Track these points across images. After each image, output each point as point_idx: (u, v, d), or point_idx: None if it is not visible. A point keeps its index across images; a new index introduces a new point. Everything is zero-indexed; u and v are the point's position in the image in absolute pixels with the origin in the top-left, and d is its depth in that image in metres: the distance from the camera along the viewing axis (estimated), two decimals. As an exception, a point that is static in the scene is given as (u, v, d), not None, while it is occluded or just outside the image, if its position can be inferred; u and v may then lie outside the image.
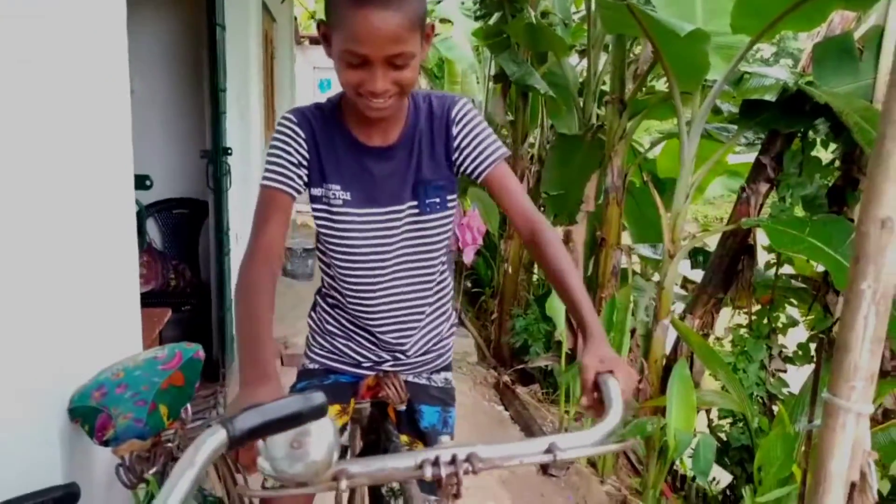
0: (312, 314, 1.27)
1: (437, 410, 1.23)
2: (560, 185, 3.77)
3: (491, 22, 4.48)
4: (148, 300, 2.91)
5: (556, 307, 2.70)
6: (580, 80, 4.24)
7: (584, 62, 4.14)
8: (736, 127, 2.89)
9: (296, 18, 8.06)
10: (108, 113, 1.36)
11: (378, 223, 1.10)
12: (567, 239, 3.59)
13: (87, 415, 1.03)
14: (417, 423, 1.21)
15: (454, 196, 1.13)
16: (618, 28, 2.75)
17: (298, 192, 1.06)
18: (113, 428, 0.98)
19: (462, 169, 1.10)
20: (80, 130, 1.21)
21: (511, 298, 4.40)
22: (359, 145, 1.07)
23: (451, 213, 1.13)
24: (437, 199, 1.10)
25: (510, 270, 4.40)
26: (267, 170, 1.05)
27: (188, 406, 1.13)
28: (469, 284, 5.53)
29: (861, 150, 2.36)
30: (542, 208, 4.25)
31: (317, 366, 1.23)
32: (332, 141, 1.07)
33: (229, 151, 2.72)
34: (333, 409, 1.15)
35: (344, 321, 1.20)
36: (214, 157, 2.66)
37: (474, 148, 1.08)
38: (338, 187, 1.07)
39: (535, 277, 4.81)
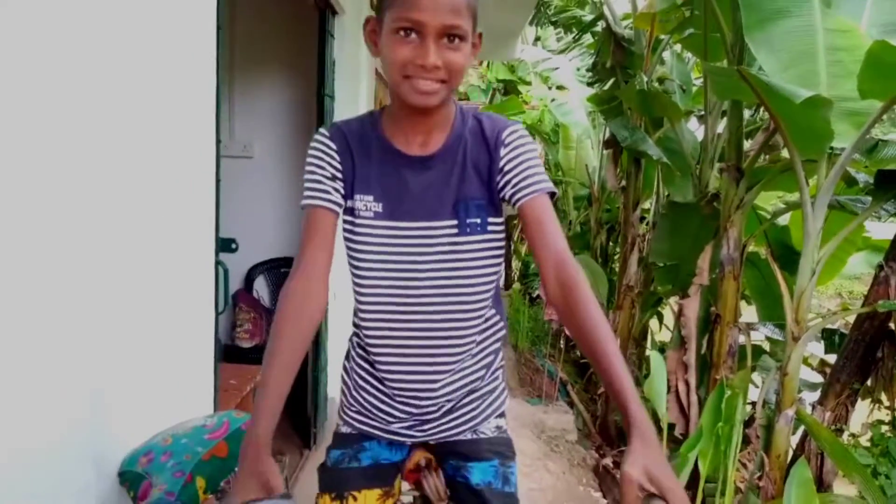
0: (346, 364, 1.14)
1: (492, 466, 1.06)
2: (671, 255, 3.56)
3: (605, 88, 4.43)
4: (252, 355, 3.04)
5: (657, 388, 2.49)
6: (698, 145, 4.05)
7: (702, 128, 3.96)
8: (870, 199, 2.60)
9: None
10: (198, 179, 1.44)
11: (410, 239, 1.00)
12: (679, 314, 3.36)
13: (133, 480, 1.04)
14: (469, 484, 1.05)
15: (498, 221, 1.03)
16: (730, 94, 2.60)
17: (339, 205, 1.00)
18: (148, 498, 0.98)
19: (502, 193, 1.00)
20: (170, 194, 1.27)
21: (619, 372, 4.16)
22: (396, 153, 1.01)
23: (494, 238, 1.02)
24: (478, 220, 1.01)
25: (619, 343, 4.17)
26: (304, 189, 1.00)
27: (230, 478, 1.11)
28: (578, 354, 5.31)
29: None
30: (653, 280, 4.04)
31: (349, 429, 1.11)
32: (368, 149, 1.01)
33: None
34: (373, 494, 1.06)
35: (373, 370, 1.07)
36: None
37: (518, 173, 0.98)
38: (370, 198, 1.00)
39: (647, 352, 4.53)
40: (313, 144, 1.02)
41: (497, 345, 1.11)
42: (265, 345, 0.91)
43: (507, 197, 0.99)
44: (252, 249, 3.15)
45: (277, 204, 3.18)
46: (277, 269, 3.33)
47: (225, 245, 1.69)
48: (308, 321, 0.93)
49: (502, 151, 1.00)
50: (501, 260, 1.06)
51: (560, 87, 5.98)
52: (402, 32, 0.89)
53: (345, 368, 1.14)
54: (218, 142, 1.44)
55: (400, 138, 1.01)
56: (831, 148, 2.43)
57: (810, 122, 2.11)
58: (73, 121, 0.94)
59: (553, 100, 6.18)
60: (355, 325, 1.10)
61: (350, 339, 1.14)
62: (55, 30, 0.90)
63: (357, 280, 1.03)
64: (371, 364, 1.07)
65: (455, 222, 1.00)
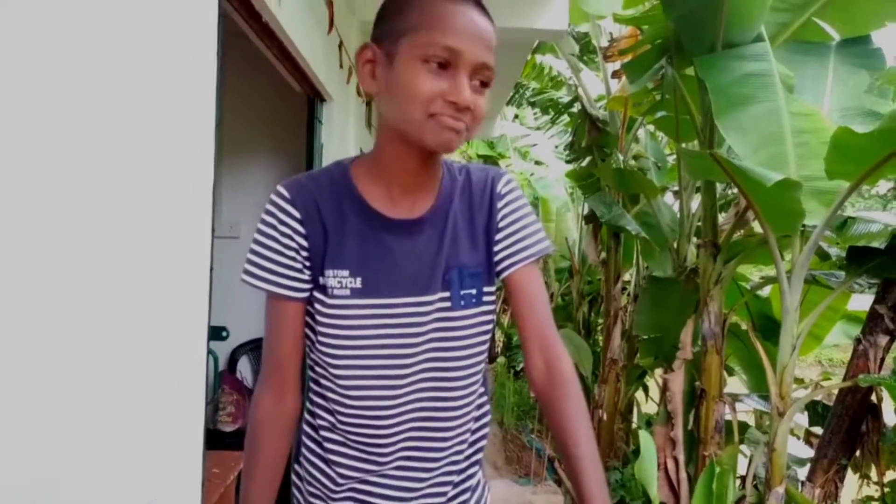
0: (297, 468, 0.97)
1: None
2: (654, 328, 3.60)
3: (582, 165, 4.56)
4: (234, 439, 2.97)
5: (648, 468, 2.46)
6: (675, 219, 4.16)
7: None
8: (844, 273, 2.67)
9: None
10: (191, 267, 1.44)
11: (395, 318, 0.85)
12: (665, 389, 3.36)
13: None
14: None
15: (492, 290, 0.90)
16: (704, 175, 2.70)
17: (305, 289, 0.86)
18: None
19: (498, 255, 0.89)
20: (163, 282, 1.27)
21: (607, 449, 4.11)
22: (377, 217, 0.85)
23: (488, 310, 0.90)
24: (473, 291, 0.88)
25: (605, 417, 4.14)
26: (252, 262, 0.85)
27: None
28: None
29: None
30: (636, 352, 4.05)
31: None
32: (341, 213, 0.84)
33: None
34: None
35: (338, 470, 0.90)
36: (303, 301, 2.76)
37: (515, 232, 0.88)
38: (345, 273, 0.84)
39: (634, 425, 4.50)
40: (270, 209, 0.85)
41: (486, 430, 1.00)
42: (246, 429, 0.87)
43: (499, 257, 0.90)
44: (237, 329, 3.12)
45: (262, 283, 3.18)
46: (261, 350, 3.30)
47: (215, 333, 1.68)
48: (284, 429, 0.87)
49: (499, 205, 0.90)
50: (491, 332, 0.94)
51: (538, 163, 6.15)
52: (430, 62, 0.76)
53: (296, 473, 0.98)
54: (213, 233, 1.46)
55: (381, 198, 0.86)
56: (803, 225, 2.52)
57: (782, 203, 2.20)
58: (68, 208, 0.95)
59: (532, 174, 6.34)
60: (314, 421, 0.93)
61: (304, 436, 0.97)
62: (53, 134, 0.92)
63: (325, 369, 0.88)
64: (343, 466, 0.91)
65: (447, 294, 0.87)
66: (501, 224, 0.89)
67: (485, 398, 0.98)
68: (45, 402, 0.89)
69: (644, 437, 2.33)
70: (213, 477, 2.17)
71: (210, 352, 1.54)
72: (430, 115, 0.77)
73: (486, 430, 0.98)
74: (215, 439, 2.88)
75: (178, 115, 1.25)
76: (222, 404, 3.04)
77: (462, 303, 0.87)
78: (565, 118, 5.10)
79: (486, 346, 0.92)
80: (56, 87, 0.85)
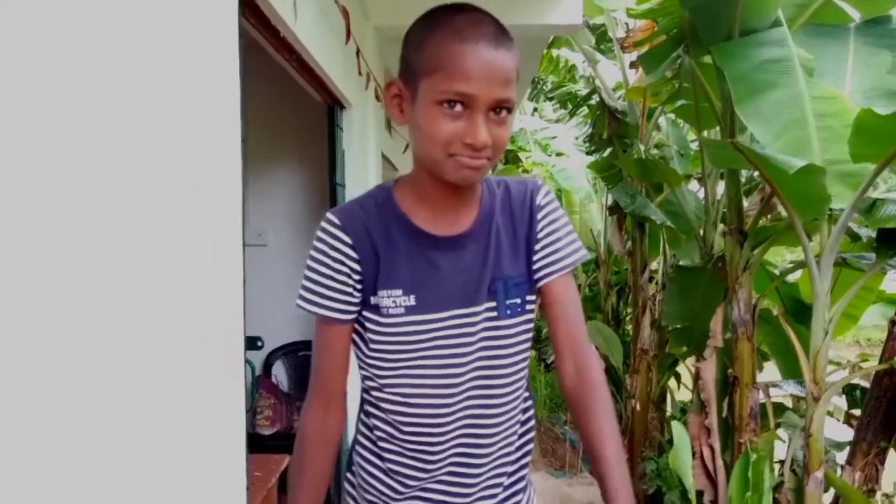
0: (350, 476, 1.02)
1: None
2: (683, 317, 3.59)
3: (604, 156, 4.55)
4: (273, 442, 3.04)
5: (683, 458, 2.46)
6: (701, 207, 4.13)
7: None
8: (874, 255, 2.64)
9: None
10: (224, 278, 1.49)
11: (447, 330, 0.89)
12: (697, 377, 3.35)
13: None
14: None
15: (533, 299, 0.94)
16: (726, 163, 2.69)
17: (355, 312, 0.90)
18: None
19: (537, 265, 0.93)
20: (198, 295, 1.32)
21: (641, 439, 4.11)
22: (423, 236, 0.89)
23: (530, 318, 0.95)
24: (518, 300, 0.92)
25: (638, 407, 4.14)
26: (306, 288, 0.90)
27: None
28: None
29: None
30: (667, 341, 4.04)
31: None
32: (389, 235, 0.89)
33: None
34: None
35: (398, 479, 0.95)
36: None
37: (552, 242, 0.92)
38: (398, 292, 0.88)
39: (668, 414, 4.48)
40: (322, 236, 0.89)
41: (532, 433, 1.04)
42: (286, 432, 0.93)
43: (537, 267, 0.93)
44: (270, 335, 3.20)
45: (293, 290, 3.24)
46: (295, 354, 3.37)
47: (251, 344, 1.74)
48: (331, 442, 0.92)
49: (538, 216, 0.93)
50: (532, 338, 0.99)
51: (559, 154, 6.14)
52: (446, 105, 0.79)
53: (348, 481, 1.03)
54: (244, 245, 1.51)
55: (425, 218, 0.90)
56: (830, 209, 2.50)
57: (806, 189, 2.18)
58: (108, 227, 1.00)
59: (553, 165, 6.33)
60: (371, 433, 0.98)
61: (358, 447, 1.01)
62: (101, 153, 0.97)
63: (379, 382, 0.93)
64: (402, 475, 0.96)
65: (494, 304, 0.91)
66: (541, 235, 0.93)
67: (529, 402, 1.02)
68: (92, 417, 0.94)
69: (677, 427, 2.34)
70: (256, 480, 2.24)
71: (247, 361, 1.59)
72: (449, 155, 0.81)
73: (531, 434, 1.02)
74: (255, 443, 2.96)
75: (205, 132, 1.29)
76: (260, 408, 3.11)
77: (508, 312, 0.92)
78: (584, 110, 5.08)
79: (528, 353, 0.96)
80: (91, 110, 0.90)
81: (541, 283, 0.93)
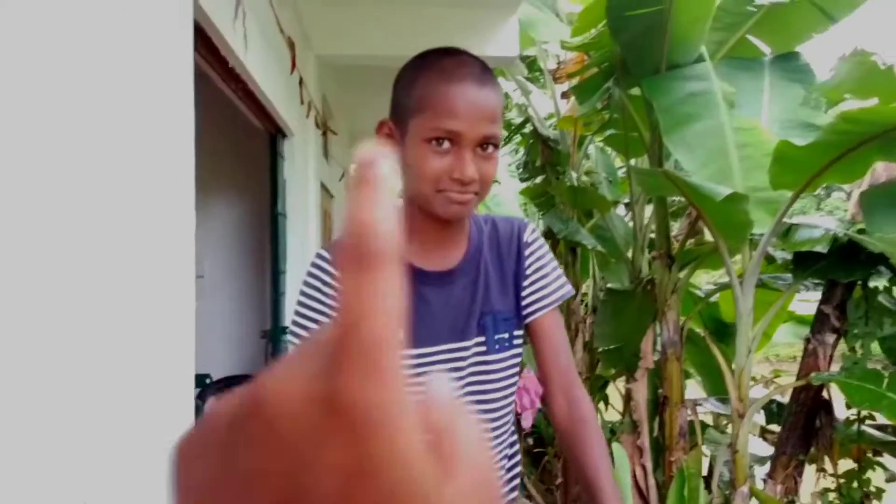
0: None
1: None
2: (614, 339, 3.70)
3: (537, 182, 4.67)
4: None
5: (623, 480, 2.53)
6: (630, 231, 4.30)
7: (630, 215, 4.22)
8: (791, 276, 2.83)
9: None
10: (176, 318, 1.45)
11: (440, 364, 0.91)
12: (628, 398, 3.46)
13: None
14: None
15: (520, 334, 0.97)
16: (656, 190, 2.82)
17: None
18: None
19: (525, 300, 0.95)
20: (148, 333, 1.27)
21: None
22: (413, 270, 0.90)
23: (519, 353, 0.97)
24: (506, 335, 0.94)
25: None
26: (298, 324, 0.88)
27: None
28: (531, 443, 5.29)
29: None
30: (598, 363, 4.16)
31: None
32: None
33: (287, 331, 2.82)
34: None
35: None
36: (273, 336, 2.76)
37: (540, 279, 0.95)
38: None
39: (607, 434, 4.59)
40: (314, 272, 0.90)
41: (519, 468, 1.05)
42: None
43: (525, 304, 0.96)
44: (203, 369, 3.08)
45: (228, 322, 3.16)
46: (230, 389, 3.25)
47: (199, 382, 1.68)
48: None
49: (526, 252, 0.96)
50: (518, 373, 1.00)
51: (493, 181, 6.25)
52: (434, 142, 0.82)
53: None
54: (197, 277, 1.47)
55: (415, 253, 0.91)
56: (752, 234, 2.66)
57: (731, 215, 2.32)
58: (60, 250, 0.95)
59: (485, 193, 6.42)
60: None
61: None
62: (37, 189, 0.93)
63: None
64: None
65: (483, 339, 0.93)
66: (529, 271, 0.96)
67: (514, 437, 1.04)
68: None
69: (617, 448, 2.40)
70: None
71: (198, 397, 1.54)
72: (438, 191, 0.84)
73: (518, 469, 1.04)
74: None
75: (161, 160, 1.26)
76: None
77: (497, 346, 0.94)
78: (518, 137, 5.21)
79: (515, 387, 0.98)
80: (52, 141, 0.87)
81: (529, 319, 0.96)
